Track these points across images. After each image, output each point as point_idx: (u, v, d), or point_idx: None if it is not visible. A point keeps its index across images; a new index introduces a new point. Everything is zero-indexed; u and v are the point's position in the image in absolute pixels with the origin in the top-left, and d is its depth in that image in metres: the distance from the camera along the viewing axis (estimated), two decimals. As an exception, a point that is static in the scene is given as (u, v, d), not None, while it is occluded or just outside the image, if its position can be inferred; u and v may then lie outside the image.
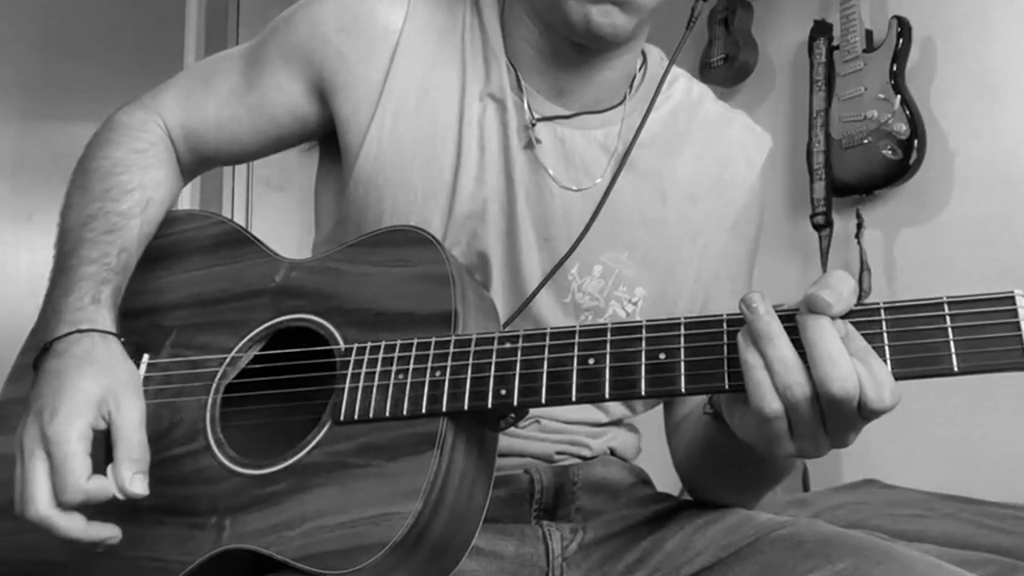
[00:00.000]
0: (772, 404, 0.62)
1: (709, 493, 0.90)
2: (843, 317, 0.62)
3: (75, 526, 0.72)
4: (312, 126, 0.96)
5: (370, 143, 0.90)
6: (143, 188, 0.91)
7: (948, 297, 0.61)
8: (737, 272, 0.99)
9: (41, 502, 0.72)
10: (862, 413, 0.61)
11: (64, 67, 2.41)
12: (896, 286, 2.37)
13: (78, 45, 2.46)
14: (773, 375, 0.61)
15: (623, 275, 0.92)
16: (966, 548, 1.41)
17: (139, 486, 0.73)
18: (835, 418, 0.62)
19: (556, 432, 0.93)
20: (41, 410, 0.74)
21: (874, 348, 0.61)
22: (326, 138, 0.98)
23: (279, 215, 2.83)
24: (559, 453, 0.92)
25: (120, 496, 0.73)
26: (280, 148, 0.99)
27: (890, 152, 2.29)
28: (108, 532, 0.73)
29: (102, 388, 0.75)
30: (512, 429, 0.77)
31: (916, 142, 2.26)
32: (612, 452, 0.97)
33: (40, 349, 0.79)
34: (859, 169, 2.36)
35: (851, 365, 0.60)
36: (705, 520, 0.83)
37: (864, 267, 2.38)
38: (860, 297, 2.38)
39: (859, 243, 2.39)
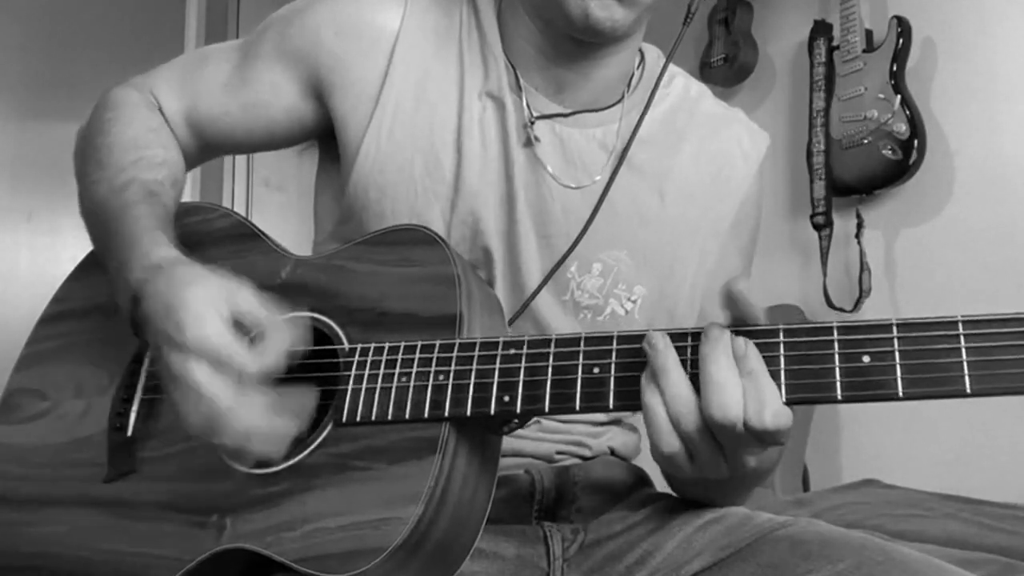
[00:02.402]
0: (670, 442, 0.64)
1: (686, 494, 0.90)
2: (849, 333, 0.62)
3: (262, 410, 0.69)
4: (309, 125, 0.96)
5: (369, 143, 0.90)
6: (169, 165, 0.91)
7: (963, 316, 0.60)
8: (735, 271, 1.00)
9: (224, 395, 0.69)
10: (753, 436, 0.62)
11: (64, 67, 2.41)
12: (896, 286, 2.37)
13: (78, 45, 2.46)
14: (667, 407, 0.64)
15: (622, 273, 0.92)
16: (966, 548, 1.41)
17: (293, 331, 0.72)
18: (727, 442, 0.64)
19: (556, 432, 0.93)
20: (168, 335, 0.71)
21: (886, 366, 0.60)
22: (325, 138, 0.98)
23: (279, 215, 2.83)
24: (559, 453, 0.92)
25: (289, 345, 0.71)
26: (275, 146, 0.99)
27: (890, 152, 2.29)
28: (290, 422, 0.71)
29: (207, 288, 0.73)
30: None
31: (916, 142, 2.26)
32: (612, 452, 0.97)
33: (130, 308, 0.77)
34: (859, 169, 2.36)
35: (737, 389, 0.61)
36: (705, 520, 0.83)
37: (864, 267, 2.38)
38: (860, 297, 2.38)
39: (859, 243, 2.39)
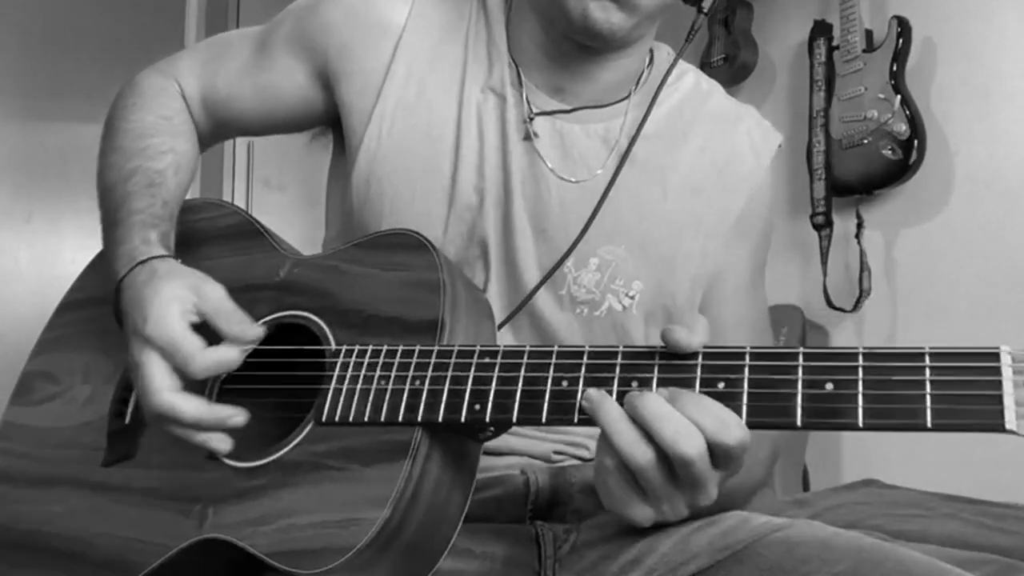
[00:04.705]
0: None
1: None
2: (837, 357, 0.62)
3: (198, 406, 0.74)
4: (319, 111, 0.99)
5: (371, 135, 0.91)
6: (175, 152, 0.95)
7: (931, 348, 0.59)
8: (741, 273, 0.99)
9: (163, 388, 0.74)
10: (716, 461, 0.63)
11: (64, 67, 2.41)
12: (896, 286, 2.37)
13: (78, 45, 2.46)
14: (618, 450, 0.64)
15: (620, 268, 0.92)
16: (966, 548, 1.40)
17: (252, 331, 0.77)
18: (688, 473, 0.64)
19: (555, 432, 0.92)
20: (135, 326, 0.77)
21: (848, 395, 0.60)
22: (337, 128, 1.00)
23: (279, 215, 2.83)
24: (557, 453, 0.92)
25: (242, 348, 0.76)
26: (286, 130, 1.02)
27: (890, 152, 2.29)
28: (230, 410, 0.75)
29: (179, 286, 0.78)
30: (513, 428, 0.77)
31: (916, 142, 2.26)
32: (612, 453, 0.96)
33: (114, 298, 0.83)
34: (859, 169, 2.36)
35: (685, 420, 0.62)
36: (701, 522, 0.83)
37: (864, 267, 2.38)
38: (860, 297, 2.37)
39: (859, 243, 2.39)
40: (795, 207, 2.59)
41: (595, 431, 0.94)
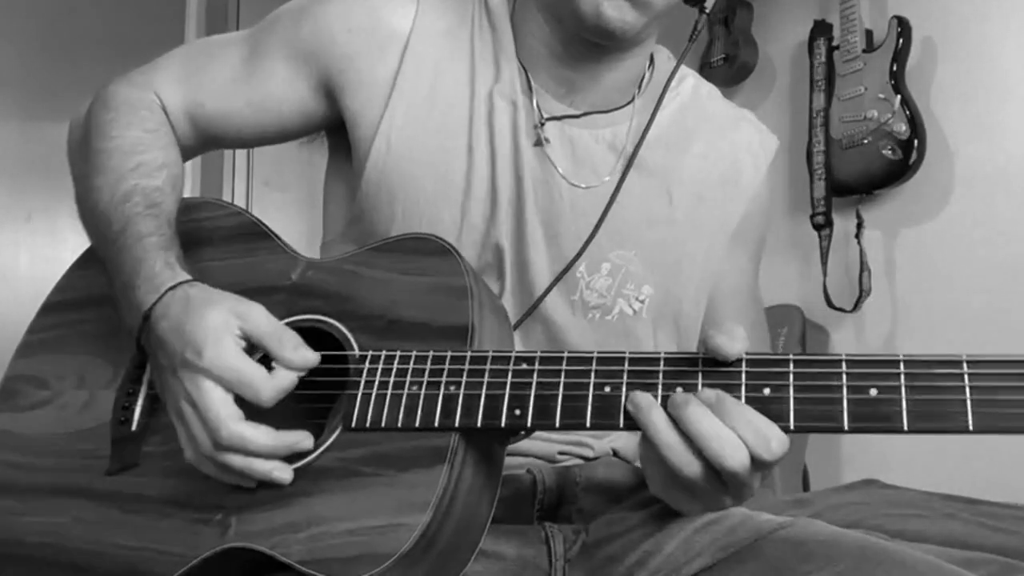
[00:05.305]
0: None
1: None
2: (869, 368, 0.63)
3: (268, 436, 0.72)
4: (318, 121, 0.96)
5: (380, 143, 0.90)
6: (169, 166, 0.91)
7: (968, 356, 0.62)
8: (739, 274, 1.00)
9: (232, 419, 0.71)
10: (757, 468, 0.65)
11: (64, 67, 2.41)
12: (896, 286, 2.37)
13: (78, 45, 2.46)
14: (666, 461, 0.65)
15: (631, 273, 0.92)
16: (966, 548, 1.40)
17: (311, 356, 0.75)
18: (734, 481, 0.65)
19: (560, 432, 0.92)
20: (184, 359, 0.74)
21: (892, 400, 0.62)
22: (335, 132, 0.98)
23: (279, 215, 2.82)
24: (562, 453, 0.92)
25: (300, 372, 0.74)
26: (285, 139, 0.99)
27: (890, 152, 2.29)
28: (298, 436, 0.73)
29: (220, 312, 0.75)
30: None
31: (916, 142, 2.26)
32: (615, 453, 0.97)
33: (139, 327, 0.79)
34: (859, 169, 2.36)
35: (731, 434, 0.63)
36: (705, 521, 0.83)
37: (864, 267, 2.38)
38: (860, 297, 2.37)
39: (859, 243, 2.39)
40: (795, 207, 2.59)
41: (599, 432, 0.95)
